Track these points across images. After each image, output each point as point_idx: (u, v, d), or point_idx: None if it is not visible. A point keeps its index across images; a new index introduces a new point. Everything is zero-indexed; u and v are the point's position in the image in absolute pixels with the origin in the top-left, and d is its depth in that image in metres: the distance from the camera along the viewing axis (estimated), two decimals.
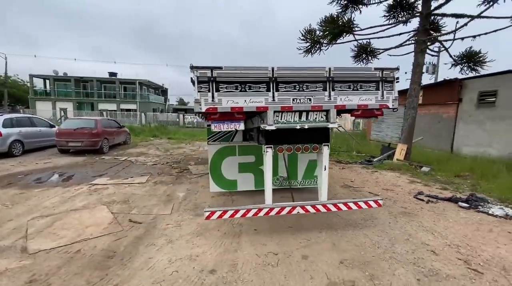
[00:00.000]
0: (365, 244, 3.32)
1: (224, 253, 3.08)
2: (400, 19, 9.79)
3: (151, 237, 3.45)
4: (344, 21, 8.99)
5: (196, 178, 6.75)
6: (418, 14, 9.03)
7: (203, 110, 2.99)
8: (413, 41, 9.19)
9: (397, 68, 3.34)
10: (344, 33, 9.15)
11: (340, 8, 10.07)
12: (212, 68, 2.98)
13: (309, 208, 3.46)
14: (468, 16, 8.28)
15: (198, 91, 2.98)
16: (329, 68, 3.21)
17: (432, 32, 9.03)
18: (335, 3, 9.91)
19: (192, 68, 2.96)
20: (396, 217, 4.23)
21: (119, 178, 6.57)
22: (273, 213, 3.40)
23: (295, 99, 3.17)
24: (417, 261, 2.93)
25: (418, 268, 2.79)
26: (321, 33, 9.19)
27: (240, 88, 3.07)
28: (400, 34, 9.47)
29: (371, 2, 10.05)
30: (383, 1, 9.94)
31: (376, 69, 3.31)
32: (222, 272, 2.70)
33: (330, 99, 3.22)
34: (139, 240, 3.36)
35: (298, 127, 3.22)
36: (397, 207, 4.70)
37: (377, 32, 9.33)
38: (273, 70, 3.10)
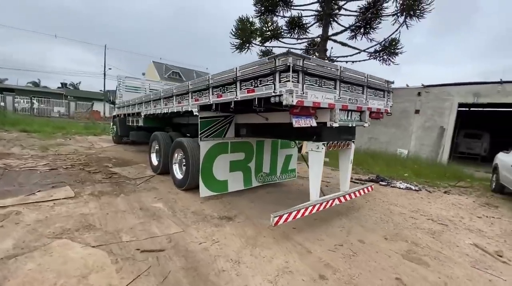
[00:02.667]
0: (378, 221, 4.11)
1: (303, 257, 2.90)
2: (294, 35, 11.82)
3: (205, 263, 2.63)
4: (274, 27, 9.77)
5: (145, 183, 5.33)
6: (320, 36, 11.27)
7: (294, 103, 2.65)
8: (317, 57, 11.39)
9: (393, 82, 4.32)
10: (273, 38, 9.95)
11: (257, 13, 10.88)
12: (304, 58, 2.70)
13: (342, 198, 3.85)
14: (349, 46, 11.33)
15: (292, 81, 2.61)
16: (367, 75, 3.70)
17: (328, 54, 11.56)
18: (254, 7, 10.63)
19: (289, 53, 2.56)
20: (364, 198, 5.39)
21: (12, 195, 4.09)
22: (322, 208, 3.52)
23: (350, 99, 3.42)
24: (416, 226, 4.03)
25: (423, 230, 3.86)
26: (254, 34, 9.54)
27: (318, 83, 2.95)
28: (308, 49, 11.48)
29: (279, 14, 11.49)
30: (286, 16, 11.60)
31: (385, 81, 4.13)
32: (330, 274, 2.59)
33: (366, 101, 3.72)
34: (195, 272, 2.48)
35: (350, 125, 3.51)
36: None
37: (294, 44, 10.84)
38: (340, 69, 3.20)
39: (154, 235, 3.15)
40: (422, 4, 9.50)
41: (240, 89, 3.24)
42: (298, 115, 2.90)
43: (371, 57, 11.90)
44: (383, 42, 11.46)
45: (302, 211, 3.24)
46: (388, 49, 11.60)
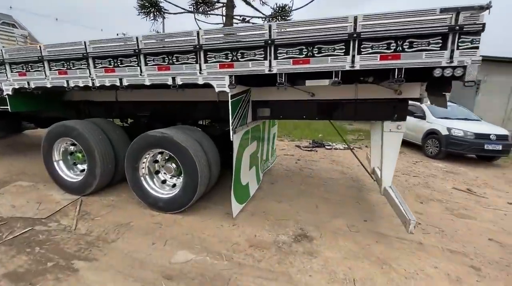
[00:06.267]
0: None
1: (430, 254, 2.61)
2: None
3: None
4: None
5: (85, 222, 2.89)
6: None
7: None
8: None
9: None
10: None
11: None
12: None
13: None
14: (253, 7, 10.72)
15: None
16: None
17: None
18: None
19: (487, 7, 1.81)
20: (346, 167, 5.62)
21: None
22: None
23: None
24: (411, 183, 4.68)
25: (420, 186, 4.55)
26: None
27: None
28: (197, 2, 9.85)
29: None
30: None
31: None
32: (469, 260, 2.49)
33: None
34: None
35: None
36: (317, 158, 6.06)
37: None
38: None
39: None
40: None
41: (360, 54, 2.11)
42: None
43: (266, 19, 11.93)
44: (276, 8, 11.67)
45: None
46: (280, 15, 11.97)
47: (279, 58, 2.31)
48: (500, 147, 5.96)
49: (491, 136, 6.01)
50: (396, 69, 2.07)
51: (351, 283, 2.12)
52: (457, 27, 1.88)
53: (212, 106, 3.56)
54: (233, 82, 2.47)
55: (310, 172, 5.03)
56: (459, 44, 1.93)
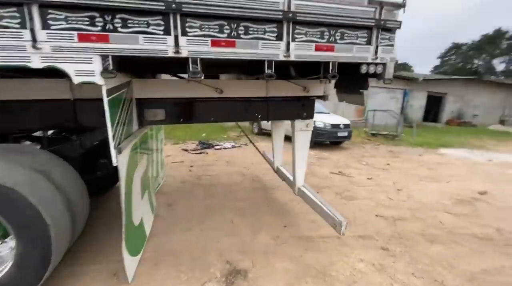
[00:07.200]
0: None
1: (365, 250, 2.71)
2: None
3: None
4: None
5: None
6: None
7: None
8: None
9: None
10: None
11: None
12: None
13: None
14: None
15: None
16: None
17: None
18: None
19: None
20: (228, 164, 5.34)
21: None
22: None
23: None
24: None
25: (309, 174, 4.96)
26: None
27: None
28: None
29: None
30: None
31: None
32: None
33: None
34: None
35: None
36: (211, 161, 5.57)
37: None
38: None
39: None
40: None
41: (294, 41, 1.71)
42: None
43: None
44: None
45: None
46: None
47: (189, 34, 1.54)
48: (346, 133, 7.65)
49: (340, 125, 7.59)
50: (330, 63, 1.83)
51: None
52: (382, 22, 1.83)
53: (60, 109, 2.21)
54: (111, 67, 1.45)
55: (209, 180, 4.41)
56: (381, 40, 1.91)
